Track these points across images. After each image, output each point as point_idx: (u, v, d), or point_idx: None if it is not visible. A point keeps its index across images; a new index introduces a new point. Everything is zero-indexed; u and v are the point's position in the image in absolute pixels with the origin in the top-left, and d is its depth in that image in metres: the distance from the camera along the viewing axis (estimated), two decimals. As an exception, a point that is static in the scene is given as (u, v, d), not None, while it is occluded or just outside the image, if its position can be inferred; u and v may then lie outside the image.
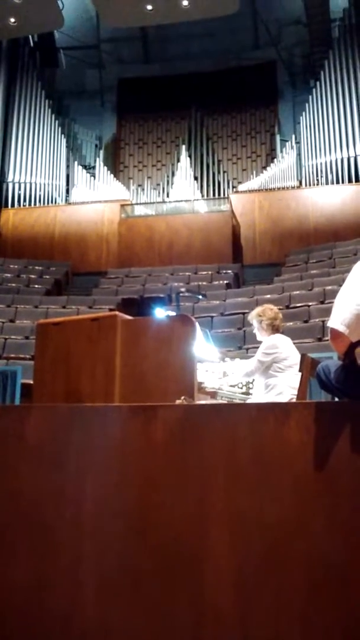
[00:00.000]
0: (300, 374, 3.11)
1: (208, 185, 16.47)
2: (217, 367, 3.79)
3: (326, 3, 15.58)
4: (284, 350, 3.89)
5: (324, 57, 15.58)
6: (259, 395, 3.89)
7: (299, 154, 15.43)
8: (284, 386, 3.78)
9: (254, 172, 16.16)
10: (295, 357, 3.90)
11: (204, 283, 12.61)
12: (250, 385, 4.05)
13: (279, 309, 10.51)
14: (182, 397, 2.82)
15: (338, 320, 2.16)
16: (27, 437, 2.45)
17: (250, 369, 3.85)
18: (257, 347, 4.07)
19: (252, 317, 4.17)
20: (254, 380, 3.98)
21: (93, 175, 16.39)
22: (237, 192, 15.63)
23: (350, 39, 15.30)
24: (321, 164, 14.77)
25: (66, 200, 16.08)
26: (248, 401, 3.90)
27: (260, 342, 4.07)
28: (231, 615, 2.08)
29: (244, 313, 10.38)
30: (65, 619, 2.24)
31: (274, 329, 4.05)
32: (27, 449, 2.44)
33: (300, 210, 14.46)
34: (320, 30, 15.95)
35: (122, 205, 15.32)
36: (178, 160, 16.37)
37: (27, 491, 2.40)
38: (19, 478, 2.43)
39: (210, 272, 13.30)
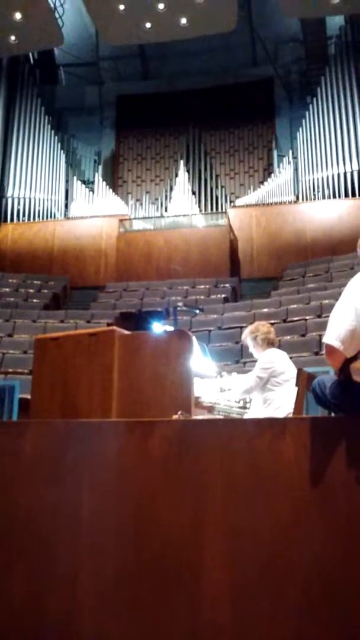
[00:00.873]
0: (295, 387, 3.13)
1: (206, 200, 16.58)
2: (213, 383, 3.81)
3: (322, 21, 15.82)
4: (280, 364, 3.90)
5: (321, 73, 15.78)
6: (257, 410, 3.90)
7: (296, 169, 15.57)
8: (281, 400, 3.79)
9: (252, 187, 16.29)
10: (291, 371, 3.91)
11: (202, 297, 12.65)
12: (247, 400, 4.06)
13: (276, 322, 10.52)
14: (179, 412, 2.83)
15: (333, 336, 2.18)
16: (24, 452, 2.46)
17: (249, 386, 3.85)
18: (255, 361, 4.08)
19: (246, 335, 4.16)
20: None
21: (92, 190, 16.50)
22: (234, 206, 15.73)
23: (346, 55, 15.51)
24: (318, 179, 14.89)
25: (65, 215, 16.17)
26: (245, 416, 3.91)
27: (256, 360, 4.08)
28: (227, 627, 2.08)
29: (241, 327, 10.39)
30: (62, 631, 2.24)
31: (269, 343, 4.06)
32: (24, 463, 2.45)
33: (297, 224, 14.55)
34: (316, 48, 16.19)
35: (121, 220, 15.41)
36: (176, 175, 16.51)
37: (24, 505, 2.41)
38: (16, 492, 2.43)
39: (207, 286, 13.35)
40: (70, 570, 2.29)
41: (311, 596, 2.03)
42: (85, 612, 2.23)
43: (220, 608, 2.10)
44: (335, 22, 16.16)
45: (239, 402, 4.04)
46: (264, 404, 3.85)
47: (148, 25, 14.32)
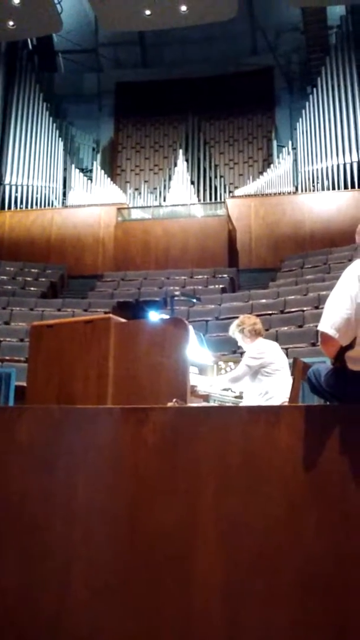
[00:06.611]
0: (290, 377, 3.13)
1: (205, 190, 16.51)
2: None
3: (323, 10, 15.68)
4: (270, 354, 3.90)
5: (321, 63, 15.67)
6: (251, 401, 3.90)
7: (295, 160, 15.50)
8: (274, 391, 3.79)
9: (251, 177, 16.22)
10: (281, 360, 3.93)
11: (200, 287, 12.62)
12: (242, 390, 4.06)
13: (274, 313, 10.51)
14: (174, 400, 2.83)
15: (328, 324, 2.18)
16: (18, 439, 2.45)
17: (237, 374, 3.85)
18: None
19: (233, 330, 4.13)
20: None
21: (90, 178, 16.41)
22: (233, 197, 15.67)
23: (347, 45, 15.41)
24: (317, 170, 14.83)
25: (63, 203, 16.09)
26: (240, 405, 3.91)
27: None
28: (219, 619, 2.08)
29: (239, 317, 10.38)
30: (55, 620, 2.24)
31: (257, 333, 4.07)
32: (18, 450, 2.44)
33: (296, 215, 14.51)
34: (317, 37, 16.05)
35: (119, 209, 15.34)
36: (175, 165, 16.42)
37: (18, 492, 2.41)
38: (10, 479, 2.43)
39: (205, 277, 13.32)
40: (63, 556, 2.29)
41: (304, 586, 2.04)
42: (78, 602, 2.23)
43: (212, 597, 2.10)
44: (336, 12, 16.03)
45: (234, 391, 4.04)
46: (258, 394, 3.86)
47: (148, 12, 14.17)
